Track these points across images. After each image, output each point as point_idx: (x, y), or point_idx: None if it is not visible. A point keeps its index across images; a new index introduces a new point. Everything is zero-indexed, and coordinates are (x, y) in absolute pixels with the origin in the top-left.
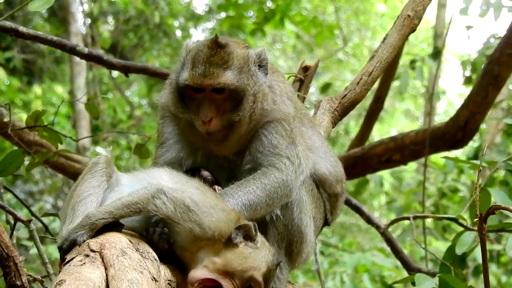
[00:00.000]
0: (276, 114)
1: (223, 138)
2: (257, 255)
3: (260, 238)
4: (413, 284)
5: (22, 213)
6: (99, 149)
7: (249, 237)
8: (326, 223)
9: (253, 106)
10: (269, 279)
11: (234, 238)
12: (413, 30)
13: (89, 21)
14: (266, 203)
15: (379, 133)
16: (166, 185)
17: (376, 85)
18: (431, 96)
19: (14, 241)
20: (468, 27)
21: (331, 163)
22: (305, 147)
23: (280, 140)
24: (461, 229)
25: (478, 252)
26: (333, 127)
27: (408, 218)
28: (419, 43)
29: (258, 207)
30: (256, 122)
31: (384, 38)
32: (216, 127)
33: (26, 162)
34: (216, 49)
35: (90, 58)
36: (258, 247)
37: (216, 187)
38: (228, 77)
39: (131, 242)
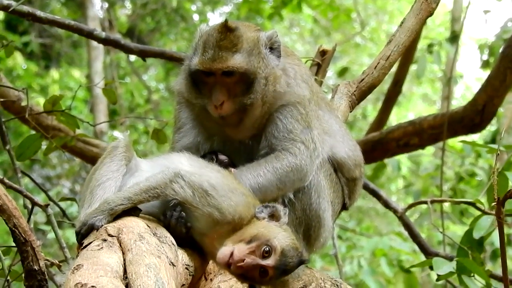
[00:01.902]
0: (291, 97)
1: (237, 122)
2: (279, 231)
3: (287, 226)
4: (431, 268)
5: (40, 198)
6: (116, 133)
7: (274, 217)
8: (344, 207)
9: (265, 89)
10: (286, 266)
11: (259, 213)
12: (431, 14)
13: (106, 5)
14: (276, 187)
15: (396, 117)
16: (183, 168)
17: (394, 69)
18: (449, 80)
19: (32, 225)
20: (486, 11)
21: (349, 147)
22: (321, 130)
23: (295, 125)
24: (478, 213)
25: (495, 236)
26: (350, 111)
27: (425, 202)
28: (437, 27)
29: (268, 190)
30: (270, 105)
31: (402, 22)
32: (228, 110)
33: (44, 147)
34: (225, 33)
35: (108, 42)
36: (281, 226)
37: (232, 169)
38: (237, 60)
39: (148, 226)
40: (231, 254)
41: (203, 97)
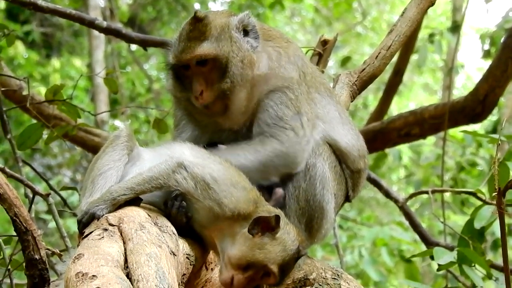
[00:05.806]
0: (277, 81)
1: (223, 110)
2: (274, 247)
3: (284, 227)
4: (432, 258)
5: (41, 187)
6: (117, 122)
7: (269, 228)
8: (347, 199)
9: (243, 72)
10: (288, 269)
11: (251, 230)
12: (432, 4)
13: None
14: (256, 169)
15: (397, 106)
16: (187, 159)
17: (395, 58)
18: (450, 70)
19: (33, 214)
20: (487, 1)
21: (352, 136)
22: (313, 115)
23: (285, 111)
24: (479, 203)
25: (496, 226)
26: (351, 101)
27: (426, 192)
28: (438, 16)
29: (246, 170)
30: (254, 89)
31: (403, 12)
32: (208, 99)
33: (45, 136)
34: (194, 24)
35: (109, 31)
36: (277, 238)
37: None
38: (205, 48)
39: (149, 216)
40: (232, 280)
41: (187, 91)
